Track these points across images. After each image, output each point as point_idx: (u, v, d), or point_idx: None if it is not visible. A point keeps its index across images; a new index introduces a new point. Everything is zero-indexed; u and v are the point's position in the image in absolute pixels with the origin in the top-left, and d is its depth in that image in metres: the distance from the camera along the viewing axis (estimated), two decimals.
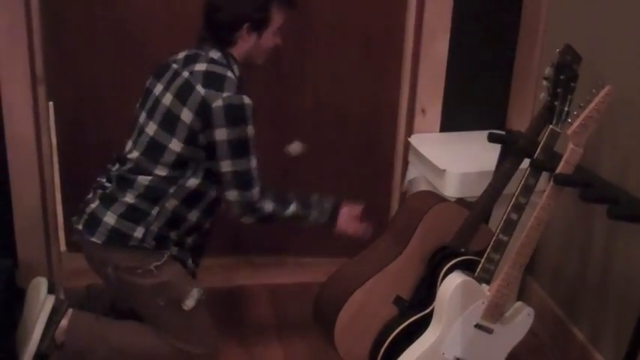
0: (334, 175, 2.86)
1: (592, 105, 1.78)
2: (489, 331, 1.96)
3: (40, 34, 2.44)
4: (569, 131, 1.80)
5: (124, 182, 2.07)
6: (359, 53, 2.72)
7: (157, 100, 2.09)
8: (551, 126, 1.90)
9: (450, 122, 2.73)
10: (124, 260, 2.06)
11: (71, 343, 2.16)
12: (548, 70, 1.95)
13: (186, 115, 2.01)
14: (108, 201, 2.07)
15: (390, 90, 2.78)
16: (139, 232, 2.03)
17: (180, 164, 2.05)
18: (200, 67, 2.05)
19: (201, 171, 2.08)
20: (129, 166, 2.09)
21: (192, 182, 2.07)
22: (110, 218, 2.04)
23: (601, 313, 2.21)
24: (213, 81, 2.02)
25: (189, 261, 2.18)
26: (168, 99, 2.06)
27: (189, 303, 2.09)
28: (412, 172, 2.66)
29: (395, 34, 2.70)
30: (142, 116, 2.13)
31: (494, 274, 1.96)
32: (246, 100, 2.02)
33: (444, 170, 2.34)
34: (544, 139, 1.91)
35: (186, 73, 2.06)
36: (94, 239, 2.05)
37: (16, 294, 2.37)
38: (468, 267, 2.00)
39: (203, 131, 2.01)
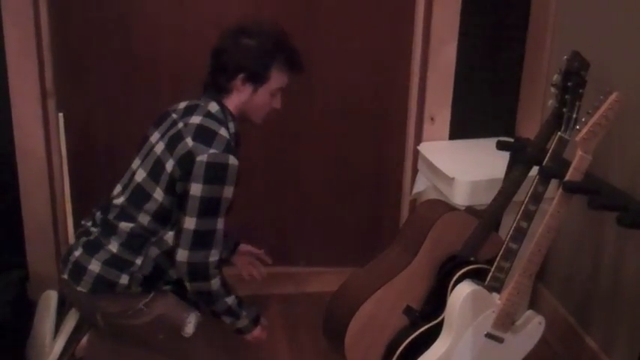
0: (344, 184, 2.86)
1: (600, 111, 1.77)
2: (500, 340, 1.95)
3: (49, 48, 2.46)
4: (578, 138, 1.79)
5: (109, 228, 2.04)
6: (367, 62, 2.72)
7: (151, 148, 2.07)
8: (559, 133, 1.90)
9: (459, 130, 2.73)
10: (111, 306, 2.02)
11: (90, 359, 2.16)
12: (555, 77, 1.95)
13: (170, 165, 1.98)
14: (92, 248, 2.03)
15: (398, 98, 2.78)
16: (124, 279, 1.99)
17: (162, 215, 2.02)
18: (195, 119, 2.02)
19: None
20: (114, 213, 2.06)
21: (170, 237, 2.04)
22: (95, 266, 1.99)
23: (613, 321, 2.19)
24: (203, 135, 1.98)
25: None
26: (160, 147, 2.03)
27: (188, 330, 2.06)
28: (421, 181, 2.65)
29: (403, 42, 2.71)
30: (136, 162, 2.10)
31: (504, 282, 1.95)
32: (232, 160, 1.96)
33: (453, 178, 2.34)
34: (553, 146, 1.91)
35: (181, 124, 2.03)
36: (79, 288, 2.00)
37: (27, 306, 2.38)
38: (478, 276, 1.99)
39: (181, 180, 1.97)
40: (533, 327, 1.99)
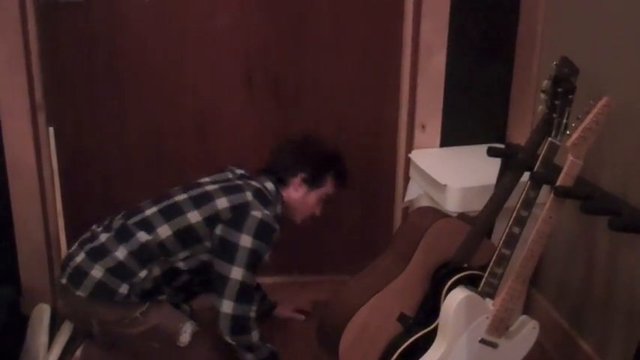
0: (336, 193, 2.86)
1: (590, 116, 1.78)
2: (494, 346, 1.95)
3: (38, 62, 2.45)
4: (568, 143, 1.79)
5: (123, 233, 2.07)
6: (357, 71, 2.72)
7: (200, 185, 2.18)
8: (550, 139, 1.90)
9: (450, 137, 2.73)
10: (108, 314, 2.04)
11: None
12: (545, 83, 1.95)
13: (222, 203, 2.09)
14: (97, 254, 2.05)
15: (389, 107, 2.79)
16: (124, 289, 2.01)
17: (185, 237, 2.07)
18: (255, 183, 2.19)
19: (194, 261, 2.11)
20: (136, 219, 2.10)
21: (181, 265, 2.10)
22: (97, 272, 2.01)
23: (607, 324, 2.19)
24: (261, 197, 2.15)
25: (183, 305, 2.20)
26: (212, 187, 2.15)
27: (184, 340, 2.07)
28: (413, 188, 2.66)
29: (392, 50, 2.71)
30: (176, 190, 2.18)
31: (498, 288, 1.96)
32: (277, 227, 2.15)
33: (445, 185, 2.34)
34: (543, 151, 1.91)
35: (240, 182, 2.19)
36: (78, 292, 2.02)
37: (20, 321, 2.37)
38: (471, 282, 1.99)
39: (226, 223, 2.08)
40: (527, 332, 1.99)
